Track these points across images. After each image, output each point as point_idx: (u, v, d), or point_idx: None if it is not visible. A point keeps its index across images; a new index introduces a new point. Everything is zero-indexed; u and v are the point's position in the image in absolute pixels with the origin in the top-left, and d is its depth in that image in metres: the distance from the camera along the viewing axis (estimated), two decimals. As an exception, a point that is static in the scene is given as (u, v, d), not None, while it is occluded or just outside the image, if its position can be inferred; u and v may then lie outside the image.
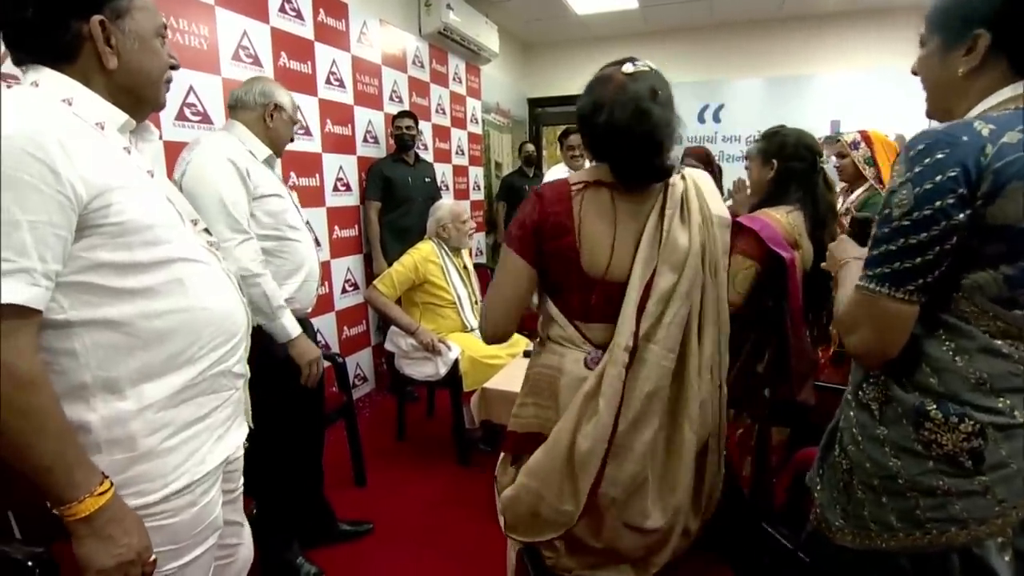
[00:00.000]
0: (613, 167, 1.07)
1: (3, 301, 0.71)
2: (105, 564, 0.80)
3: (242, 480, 1.17)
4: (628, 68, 1.03)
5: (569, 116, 5.84)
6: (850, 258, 1.02)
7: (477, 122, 4.91)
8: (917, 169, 0.78)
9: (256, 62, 2.59)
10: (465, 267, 2.84)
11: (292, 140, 1.84)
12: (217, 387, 0.96)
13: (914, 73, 1.00)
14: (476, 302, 2.85)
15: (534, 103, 6.14)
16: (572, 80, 5.82)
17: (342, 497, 2.32)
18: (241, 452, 1.12)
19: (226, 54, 2.43)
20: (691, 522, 1.17)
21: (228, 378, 0.98)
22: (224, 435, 0.99)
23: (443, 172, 4.32)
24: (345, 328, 3.30)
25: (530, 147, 4.84)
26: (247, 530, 1.23)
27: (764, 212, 1.60)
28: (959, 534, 0.85)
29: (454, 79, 4.48)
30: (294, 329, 1.66)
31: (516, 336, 2.84)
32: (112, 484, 0.81)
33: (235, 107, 1.72)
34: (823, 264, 1.14)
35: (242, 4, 2.50)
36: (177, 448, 0.89)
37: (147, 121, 1.00)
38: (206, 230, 1.05)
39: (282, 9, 2.74)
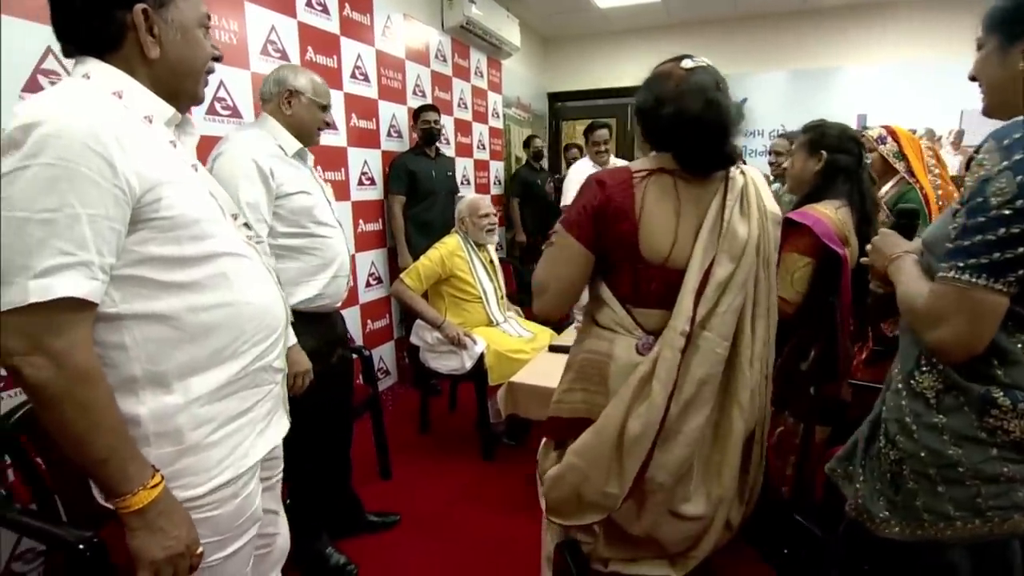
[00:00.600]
0: (679, 156, 1.09)
1: (64, 295, 0.71)
2: (156, 556, 0.81)
3: (281, 468, 1.18)
4: (687, 64, 1.08)
5: (589, 110, 5.89)
6: (900, 252, 1.01)
7: (498, 116, 4.90)
8: (1018, 156, 0.76)
9: (284, 56, 2.60)
10: (491, 261, 2.84)
11: (324, 126, 1.77)
12: (259, 381, 0.96)
13: (972, 79, 1.00)
14: (502, 296, 2.85)
15: (554, 97, 6.11)
16: (592, 74, 5.85)
17: (368, 489, 2.34)
18: (280, 442, 1.13)
19: (255, 48, 2.45)
20: (734, 513, 1.17)
21: (269, 373, 0.99)
22: (265, 429, 1.00)
23: (464, 167, 4.32)
24: (369, 321, 3.32)
25: (538, 141, 4.83)
26: (284, 519, 1.24)
27: (812, 208, 1.55)
28: (1022, 521, 0.85)
29: (476, 73, 4.48)
30: (291, 337, 1.65)
31: (539, 328, 2.84)
32: (163, 478, 0.83)
33: (262, 100, 1.73)
34: (863, 259, 1.12)
35: (271, -2, 2.51)
36: (221, 442, 0.90)
37: (188, 115, 1.00)
38: (246, 224, 1.06)
39: (309, 3, 2.75)
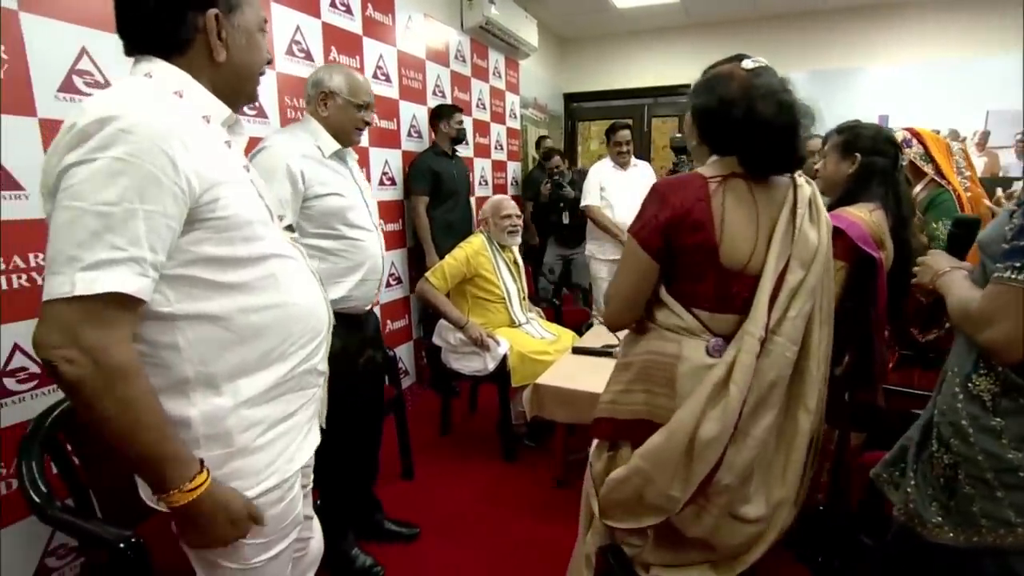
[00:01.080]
0: (747, 158, 1.09)
1: (110, 289, 0.71)
2: (196, 544, 0.86)
3: (312, 475, 1.18)
4: (748, 64, 1.08)
5: (605, 111, 5.86)
6: (948, 268, 1.03)
7: (516, 117, 4.89)
8: None
9: (308, 57, 2.61)
10: (516, 262, 2.83)
11: (363, 125, 1.75)
12: (304, 384, 0.96)
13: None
14: (524, 297, 2.84)
15: (570, 98, 6.10)
16: (608, 75, 5.83)
17: (390, 490, 2.34)
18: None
19: (280, 48, 2.45)
20: (788, 517, 1.16)
21: (313, 376, 0.98)
22: (308, 433, 1.00)
23: (483, 167, 4.32)
24: (388, 322, 3.32)
25: (548, 141, 4.81)
26: (317, 523, 1.24)
27: (845, 211, 1.53)
28: None
29: (494, 74, 4.47)
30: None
31: (561, 330, 2.83)
32: (206, 480, 0.81)
33: (305, 101, 1.74)
34: (915, 280, 1.13)
35: (296, -1, 2.53)
36: (269, 445, 0.90)
37: (238, 116, 1.01)
38: (289, 227, 1.05)
39: (333, 4, 2.76)
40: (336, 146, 1.68)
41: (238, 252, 0.84)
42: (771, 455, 1.12)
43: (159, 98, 0.80)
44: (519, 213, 2.79)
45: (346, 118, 1.70)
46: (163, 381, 0.81)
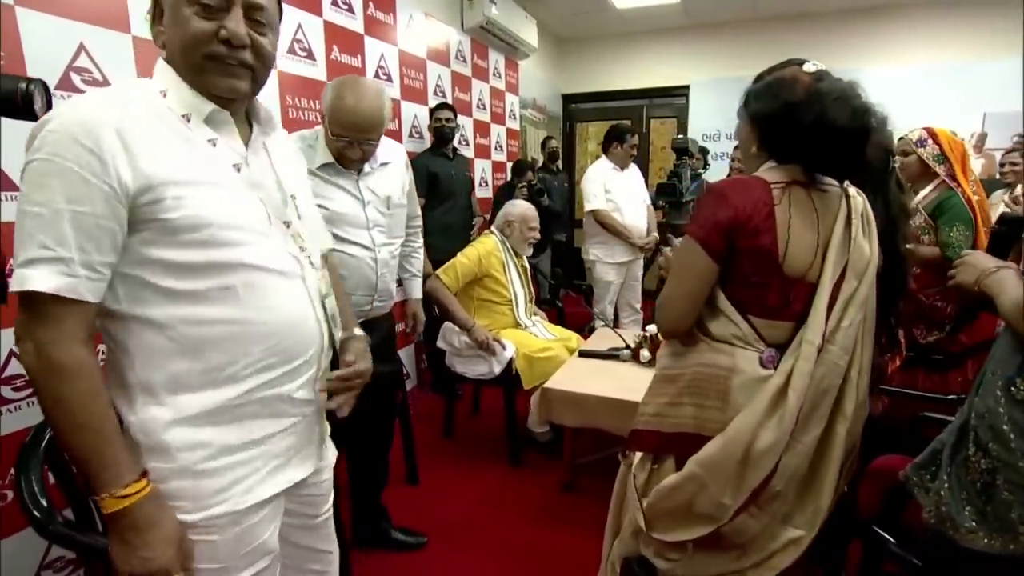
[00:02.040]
0: (813, 164, 1.07)
1: (31, 288, 0.70)
2: (129, 568, 0.76)
3: (330, 505, 1.10)
4: (810, 68, 1.06)
5: (603, 112, 5.83)
6: (994, 267, 1.00)
7: (515, 118, 4.87)
8: None
9: (310, 55, 2.57)
10: (523, 267, 2.80)
11: (354, 156, 1.58)
12: (275, 412, 0.87)
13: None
14: (531, 300, 2.81)
15: (568, 99, 6.08)
16: (607, 76, 5.81)
17: (396, 495, 2.30)
18: (327, 476, 1.05)
19: (281, 47, 2.41)
20: (820, 523, 1.14)
21: (288, 404, 0.89)
22: (283, 466, 0.91)
23: (483, 168, 4.29)
24: (389, 324, 3.28)
25: (553, 142, 4.77)
26: (335, 558, 1.14)
27: None
28: None
29: (494, 74, 4.45)
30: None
31: (564, 332, 2.79)
32: (143, 490, 0.76)
33: None
34: (954, 280, 1.10)
35: (297, -3, 2.48)
36: (219, 472, 0.82)
37: (268, 110, 0.95)
38: (301, 234, 0.95)
39: (334, 2, 2.72)
40: (324, 159, 1.59)
41: (191, 258, 0.78)
42: (814, 462, 1.11)
43: (127, 95, 0.78)
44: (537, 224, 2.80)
45: (332, 142, 1.57)
46: (116, 380, 0.80)
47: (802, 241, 1.05)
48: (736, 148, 3.48)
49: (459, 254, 2.64)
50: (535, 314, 2.90)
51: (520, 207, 2.77)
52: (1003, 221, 1.10)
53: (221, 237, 0.79)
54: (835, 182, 1.12)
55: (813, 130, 1.01)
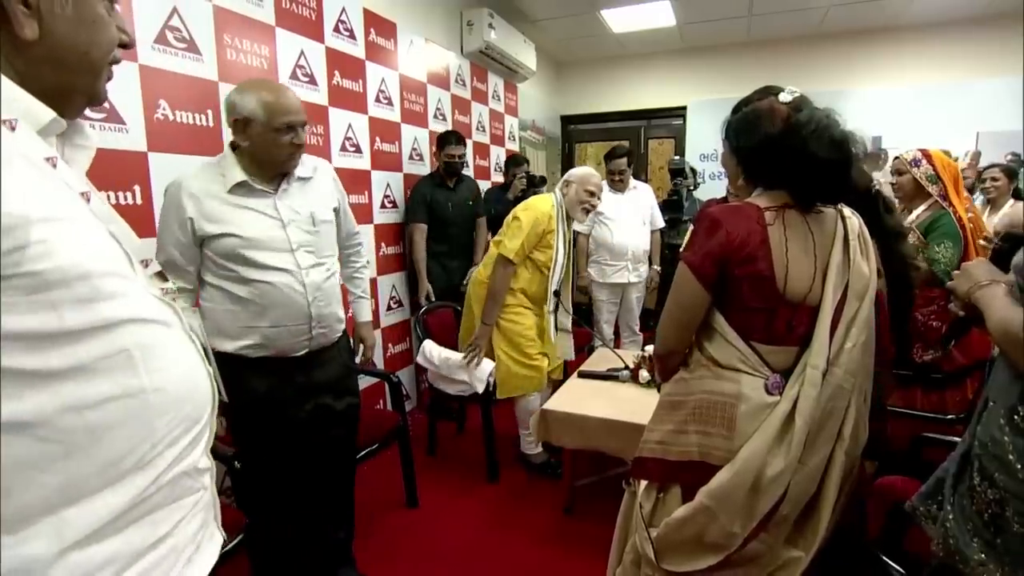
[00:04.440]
0: (798, 192, 1.08)
1: None
2: None
3: None
4: (785, 97, 1.08)
5: (602, 133, 5.90)
6: (986, 280, 0.98)
7: (514, 139, 4.92)
8: None
9: (312, 81, 2.62)
10: (569, 238, 2.67)
11: (294, 149, 1.52)
12: (180, 493, 0.68)
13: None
14: (567, 275, 2.72)
15: (567, 120, 6.15)
16: (605, 97, 5.89)
17: (395, 519, 2.29)
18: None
19: (284, 73, 2.46)
20: (821, 544, 1.13)
21: (193, 477, 0.71)
22: (195, 555, 0.71)
23: (483, 189, 4.31)
24: (390, 345, 3.28)
25: (525, 167, 4.71)
26: None
27: None
28: None
29: (493, 97, 4.51)
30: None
31: (559, 351, 2.76)
32: None
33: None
34: (949, 285, 1.09)
35: (300, 24, 2.54)
36: None
37: (79, 120, 0.71)
38: (161, 274, 0.77)
39: (336, 29, 2.77)
40: (239, 178, 1.49)
41: (67, 322, 0.55)
42: (817, 486, 1.11)
43: None
44: (601, 193, 2.63)
45: (271, 145, 1.49)
46: None
47: (800, 265, 1.06)
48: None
49: (520, 221, 2.47)
50: (557, 296, 2.74)
51: (582, 169, 2.59)
52: (1006, 239, 1.10)
53: (106, 287, 0.59)
54: (828, 205, 1.14)
55: (794, 163, 1.03)
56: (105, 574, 0.59)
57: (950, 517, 0.97)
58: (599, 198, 2.59)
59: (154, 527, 0.65)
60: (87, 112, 1.71)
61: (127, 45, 0.70)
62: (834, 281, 1.06)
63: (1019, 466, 0.87)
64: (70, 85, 0.65)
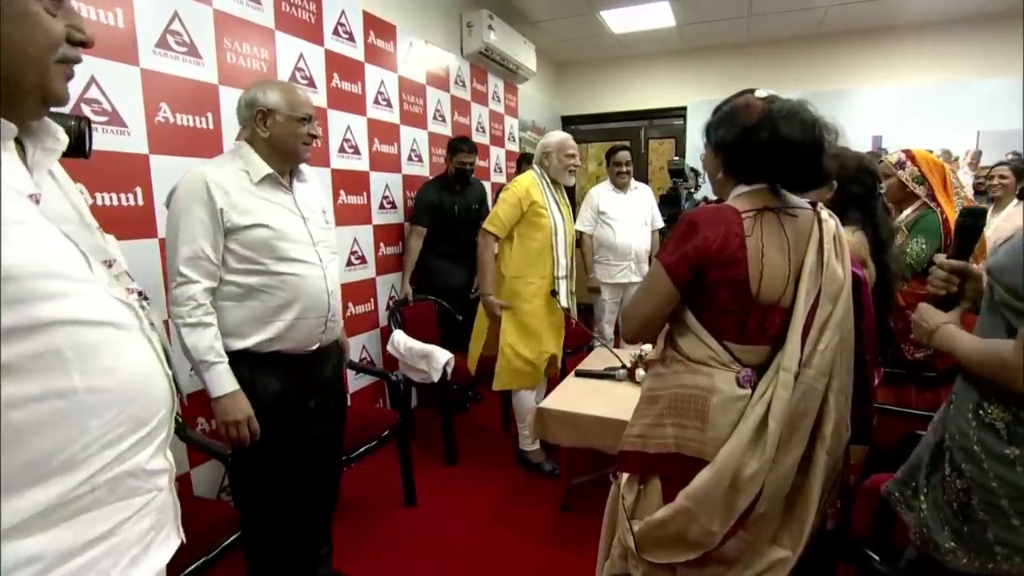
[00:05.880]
0: (778, 179, 1.12)
1: None
2: None
3: None
4: (761, 93, 1.11)
5: (602, 133, 5.92)
6: (940, 323, 1.05)
7: (514, 140, 4.95)
8: None
9: (311, 83, 2.64)
10: (565, 202, 2.73)
11: (310, 139, 1.59)
12: (124, 493, 0.68)
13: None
14: (571, 242, 2.75)
15: (567, 121, 6.17)
16: (605, 98, 5.91)
17: (392, 517, 2.31)
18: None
19: (284, 76, 2.48)
20: (805, 542, 1.15)
21: (141, 478, 0.71)
22: (142, 556, 0.71)
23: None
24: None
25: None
26: None
27: None
28: None
29: (493, 98, 4.53)
30: (220, 388, 1.47)
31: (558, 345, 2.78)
32: None
33: (240, 125, 1.62)
34: (912, 336, 1.15)
35: (299, 27, 2.56)
36: None
37: (47, 119, 0.72)
38: (127, 273, 0.77)
39: (335, 32, 2.80)
40: (267, 170, 1.53)
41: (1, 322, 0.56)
42: (798, 484, 1.13)
43: None
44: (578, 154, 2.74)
45: (290, 135, 1.56)
46: None
47: (775, 268, 1.08)
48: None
49: (500, 200, 2.62)
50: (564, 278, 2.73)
51: (555, 136, 2.68)
52: (965, 213, 1.12)
53: (47, 288, 0.60)
54: (806, 205, 1.16)
55: (769, 147, 1.06)
56: (33, 569, 0.60)
57: (924, 507, 1.01)
58: (578, 155, 2.70)
59: (90, 526, 0.65)
60: (91, 116, 1.75)
61: (85, 43, 0.69)
62: (807, 285, 1.08)
63: (984, 456, 0.90)
64: (15, 85, 0.64)
